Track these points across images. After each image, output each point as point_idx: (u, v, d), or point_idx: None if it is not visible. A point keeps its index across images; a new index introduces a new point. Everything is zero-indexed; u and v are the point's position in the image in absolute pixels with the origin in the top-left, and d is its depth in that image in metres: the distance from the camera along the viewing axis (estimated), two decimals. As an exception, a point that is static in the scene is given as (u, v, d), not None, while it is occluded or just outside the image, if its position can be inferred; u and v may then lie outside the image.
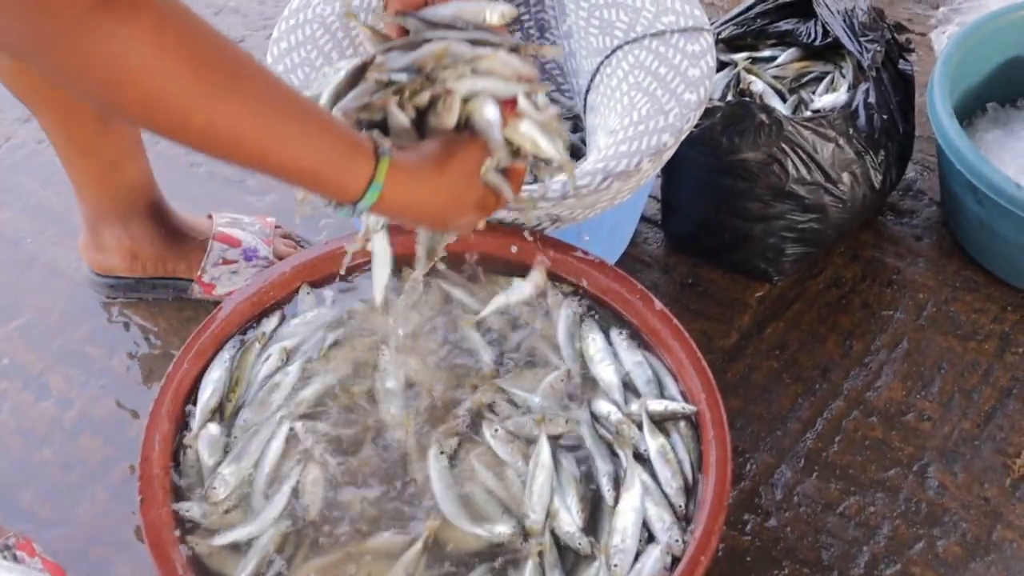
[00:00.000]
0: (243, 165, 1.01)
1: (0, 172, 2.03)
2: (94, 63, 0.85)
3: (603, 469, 1.28)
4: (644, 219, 1.86)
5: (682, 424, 1.30)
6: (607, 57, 1.67)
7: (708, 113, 1.65)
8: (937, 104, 1.71)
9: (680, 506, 1.24)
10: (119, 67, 0.85)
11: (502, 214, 1.42)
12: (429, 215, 1.11)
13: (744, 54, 1.89)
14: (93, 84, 0.87)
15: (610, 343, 1.39)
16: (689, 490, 1.26)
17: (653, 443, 1.28)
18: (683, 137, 1.50)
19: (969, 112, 1.90)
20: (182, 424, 1.32)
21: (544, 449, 1.27)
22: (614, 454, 1.30)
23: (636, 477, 1.25)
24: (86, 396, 1.69)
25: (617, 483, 1.26)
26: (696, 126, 1.61)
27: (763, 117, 1.64)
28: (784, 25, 1.89)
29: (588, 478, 1.29)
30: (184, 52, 0.88)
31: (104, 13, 0.82)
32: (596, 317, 1.42)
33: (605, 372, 1.36)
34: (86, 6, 0.82)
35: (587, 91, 1.73)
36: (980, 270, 1.80)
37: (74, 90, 0.90)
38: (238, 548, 1.23)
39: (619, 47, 1.65)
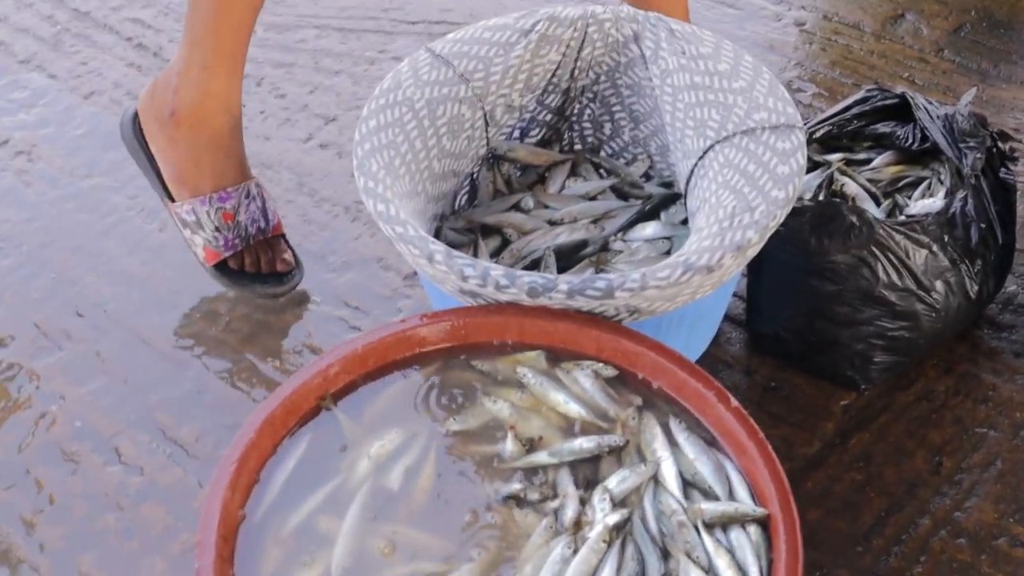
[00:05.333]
0: None
1: (90, 237, 2.07)
2: None
3: (654, 566, 1.22)
4: (728, 318, 1.82)
5: (752, 528, 1.23)
6: (700, 159, 1.64)
7: (796, 212, 1.60)
8: (1039, 215, 1.65)
9: (744, 616, 1.17)
10: None
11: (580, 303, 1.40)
12: None
13: (839, 155, 1.84)
14: None
15: (670, 433, 1.34)
16: (756, 600, 1.19)
17: (717, 547, 1.22)
18: (768, 235, 1.46)
19: (1076, 226, 1.83)
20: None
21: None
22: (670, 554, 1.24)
23: None
24: (154, 464, 1.69)
25: None
26: (783, 225, 1.57)
27: (853, 219, 1.59)
28: (881, 128, 1.84)
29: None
30: None
31: None
32: (655, 410, 1.37)
33: (665, 467, 1.30)
34: None
35: (685, 194, 1.70)
36: (1082, 391, 1.71)
37: None
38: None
39: (711, 147, 1.62)
